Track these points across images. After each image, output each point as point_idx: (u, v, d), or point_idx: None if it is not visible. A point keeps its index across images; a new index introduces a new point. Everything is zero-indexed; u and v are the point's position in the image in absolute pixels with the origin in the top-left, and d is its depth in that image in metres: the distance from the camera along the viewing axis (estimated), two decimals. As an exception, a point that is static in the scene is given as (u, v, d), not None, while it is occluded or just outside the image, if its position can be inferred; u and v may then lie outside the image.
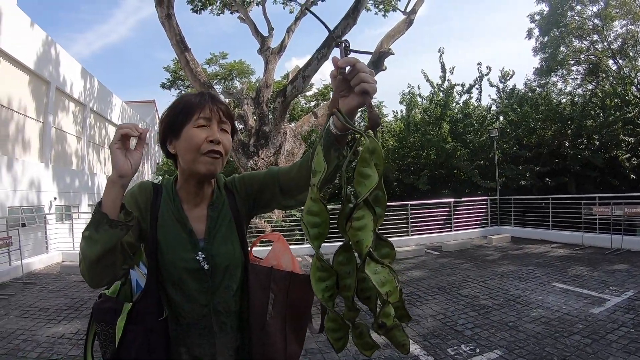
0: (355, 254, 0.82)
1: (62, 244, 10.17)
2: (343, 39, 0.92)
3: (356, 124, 0.93)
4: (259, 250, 1.30)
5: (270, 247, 1.40)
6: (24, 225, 10.93)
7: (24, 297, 6.30)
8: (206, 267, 1.18)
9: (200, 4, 14.71)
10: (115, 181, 1.00)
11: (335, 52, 0.94)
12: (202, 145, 1.14)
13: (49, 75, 13.96)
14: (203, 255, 1.19)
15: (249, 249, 1.33)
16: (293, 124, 14.88)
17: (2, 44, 11.02)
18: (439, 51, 14.67)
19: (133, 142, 1.06)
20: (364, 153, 0.80)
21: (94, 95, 18.91)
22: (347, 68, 0.89)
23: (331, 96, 0.96)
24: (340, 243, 0.85)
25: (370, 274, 0.76)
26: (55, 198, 14.38)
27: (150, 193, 1.25)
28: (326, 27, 0.99)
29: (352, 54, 0.92)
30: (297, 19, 14.47)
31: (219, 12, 15.47)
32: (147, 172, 30.49)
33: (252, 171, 1.46)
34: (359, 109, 0.95)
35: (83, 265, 1.01)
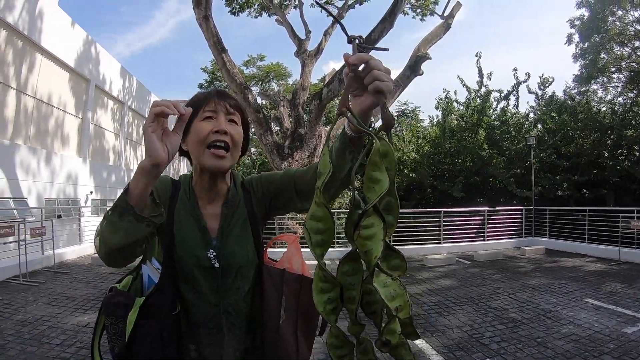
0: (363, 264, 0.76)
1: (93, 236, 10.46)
2: (356, 35, 0.86)
3: (372, 125, 0.87)
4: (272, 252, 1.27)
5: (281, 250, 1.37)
6: (59, 216, 11.30)
7: (54, 286, 6.50)
8: (217, 265, 1.17)
9: (238, 6, 14.89)
10: (148, 170, 0.92)
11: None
12: (207, 136, 1.13)
13: (88, 73, 14.42)
14: (214, 253, 1.18)
15: (264, 250, 1.30)
16: (329, 127, 14.89)
17: (44, 43, 11.45)
18: (477, 55, 14.44)
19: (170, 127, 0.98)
20: (373, 156, 0.74)
21: (132, 93, 19.43)
22: (361, 65, 0.83)
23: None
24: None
25: (379, 287, 0.69)
26: (91, 192, 14.82)
27: (169, 187, 1.24)
28: (338, 22, 0.93)
29: (367, 51, 0.86)
30: (334, 22, 14.47)
31: (257, 14, 15.64)
32: (183, 170, 31.01)
33: (270, 171, 1.43)
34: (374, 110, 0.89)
35: (103, 249, 0.98)
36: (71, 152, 13.79)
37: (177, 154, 1.29)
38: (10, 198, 9.92)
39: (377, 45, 0.94)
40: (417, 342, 4.21)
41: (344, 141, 0.94)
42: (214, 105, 1.16)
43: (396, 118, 28.88)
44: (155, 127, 0.93)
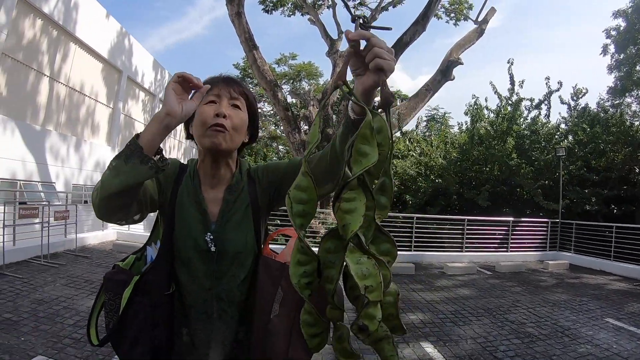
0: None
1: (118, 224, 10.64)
2: (360, 15, 0.83)
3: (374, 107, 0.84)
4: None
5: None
6: (86, 202, 11.57)
7: (73, 268, 6.64)
8: (213, 249, 1.17)
9: (271, 4, 15.00)
10: (161, 118, 0.96)
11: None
12: (208, 120, 1.15)
13: (121, 65, 14.74)
14: (212, 237, 1.18)
15: (266, 241, 1.31)
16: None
17: (78, 33, 11.76)
18: (509, 62, 14.12)
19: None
20: (364, 128, 0.70)
21: (163, 86, 19.77)
22: (362, 43, 0.81)
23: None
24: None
25: (351, 264, 0.65)
26: (119, 180, 15.11)
27: (176, 169, 1.27)
28: (346, 5, 0.90)
29: (371, 31, 0.84)
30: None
31: (290, 13, 15.73)
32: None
33: (276, 161, 1.43)
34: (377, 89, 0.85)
35: (98, 195, 1.00)
36: (100, 141, 14.12)
37: (185, 136, 1.34)
38: (38, 181, 10.22)
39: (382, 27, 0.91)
40: (429, 350, 4.14)
41: (347, 125, 0.92)
42: (218, 90, 1.19)
43: (426, 123, 28.56)
44: (176, 87, 0.98)
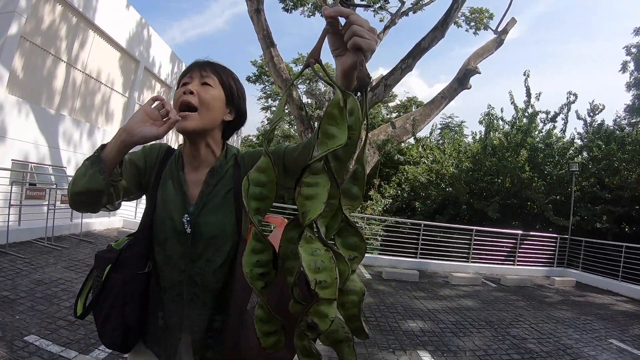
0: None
1: (125, 211, 10.73)
2: None
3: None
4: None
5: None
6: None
7: (76, 252, 6.69)
8: (189, 230, 1.17)
9: (291, 3, 14.98)
10: (120, 132, 1.04)
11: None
12: (178, 100, 1.17)
13: (139, 55, 14.79)
14: (189, 219, 1.18)
15: (249, 228, 1.26)
16: (370, 132, 14.79)
17: (97, 21, 11.82)
18: (525, 74, 13.87)
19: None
20: (332, 108, 0.64)
21: (181, 78, 19.92)
22: (341, 20, 0.77)
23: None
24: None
25: (304, 254, 0.59)
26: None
27: (162, 153, 1.31)
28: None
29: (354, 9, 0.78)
30: (386, 27, 14.31)
31: (310, 14, 15.68)
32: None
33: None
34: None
35: (70, 189, 1.07)
36: (114, 128, 14.16)
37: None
38: (49, 165, 10.30)
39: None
40: (426, 359, 4.06)
41: None
42: (191, 73, 1.22)
43: (440, 130, 28.35)
44: (149, 111, 1.07)
